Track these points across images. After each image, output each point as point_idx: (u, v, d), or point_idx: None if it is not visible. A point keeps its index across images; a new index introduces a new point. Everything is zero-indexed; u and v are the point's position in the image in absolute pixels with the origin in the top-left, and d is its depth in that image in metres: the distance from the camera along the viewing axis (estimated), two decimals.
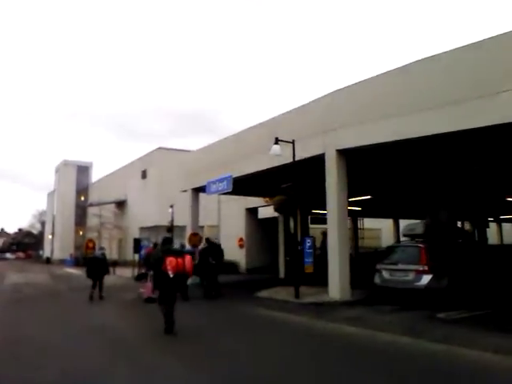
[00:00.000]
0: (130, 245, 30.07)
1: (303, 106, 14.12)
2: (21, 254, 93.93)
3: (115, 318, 10.91)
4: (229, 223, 28.77)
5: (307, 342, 7.72)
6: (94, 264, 14.61)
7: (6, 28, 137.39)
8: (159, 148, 36.66)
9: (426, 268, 10.70)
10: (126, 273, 25.16)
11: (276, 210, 14.20)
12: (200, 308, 12.19)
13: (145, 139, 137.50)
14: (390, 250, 12.92)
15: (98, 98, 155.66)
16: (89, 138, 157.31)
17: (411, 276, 10.69)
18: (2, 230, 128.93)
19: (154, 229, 35.23)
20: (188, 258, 8.51)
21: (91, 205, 45.39)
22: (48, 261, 57.93)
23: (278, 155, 12.48)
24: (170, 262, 8.06)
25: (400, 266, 11.09)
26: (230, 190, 16.80)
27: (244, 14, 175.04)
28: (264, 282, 21.08)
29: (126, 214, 41.47)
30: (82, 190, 53.31)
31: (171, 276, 8.04)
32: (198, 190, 20.37)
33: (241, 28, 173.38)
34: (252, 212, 27.52)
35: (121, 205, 42.71)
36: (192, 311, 11.44)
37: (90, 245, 35.09)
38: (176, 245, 13.85)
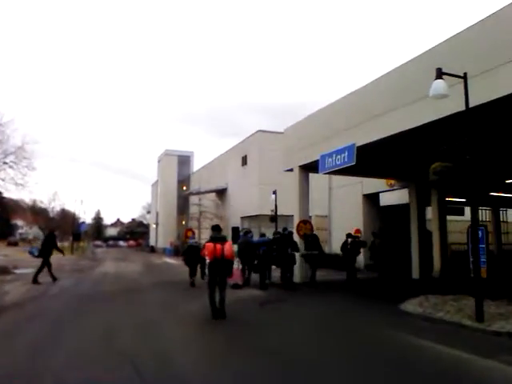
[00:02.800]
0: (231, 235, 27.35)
1: (473, 26, 9.31)
2: (132, 243, 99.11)
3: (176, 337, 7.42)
4: (341, 212, 24.39)
5: None
6: (191, 252, 14.96)
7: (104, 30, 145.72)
8: (259, 131, 33.30)
9: None
10: None
11: (434, 181, 9.44)
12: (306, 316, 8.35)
13: (236, 135, 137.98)
14: None
15: (196, 96, 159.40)
16: (187, 133, 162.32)
17: None
18: (118, 219, 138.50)
19: (256, 218, 32.11)
20: (228, 243, 8.54)
21: (191, 193, 43.77)
22: (152, 249, 58.49)
23: (443, 96, 7.95)
24: (207, 247, 8.44)
25: None
26: (353, 163, 12.53)
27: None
28: (393, 283, 16.52)
29: (227, 203, 39.07)
30: (184, 179, 52.38)
31: (207, 261, 8.53)
32: (308, 169, 16.36)
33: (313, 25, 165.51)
34: (371, 199, 22.82)
35: (221, 193, 40.41)
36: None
37: (189, 234, 32.91)
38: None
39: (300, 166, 16.17)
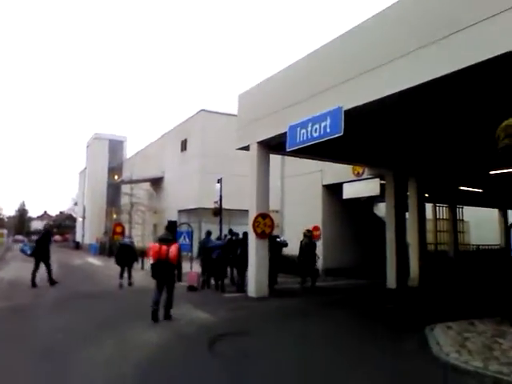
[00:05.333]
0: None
1: None
2: (58, 238, 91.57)
3: None
4: (296, 207, 20.97)
5: None
6: (123, 251, 14.17)
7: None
8: (201, 111, 29.14)
9: None
10: None
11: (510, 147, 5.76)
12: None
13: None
14: None
15: (132, 76, 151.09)
16: (121, 117, 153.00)
17: None
18: (45, 212, 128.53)
19: (196, 212, 28.08)
20: (174, 245, 8.25)
21: (122, 182, 38.66)
22: (77, 246, 52.36)
23: None
24: (152, 248, 8.25)
25: None
26: (339, 134, 8.98)
27: None
28: (369, 294, 13.29)
29: (163, 195, 34.61)
30: (115, 167, 46.88)
31: (151, 262, 8.32)
32: (269, 147, 12.65)
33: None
34: (332, 190, 19.57)
35: (157, 183, 35.83)
36: None
37: (118, 229, 28.21)
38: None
39: (259, 143, 12.40)
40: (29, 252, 13.88)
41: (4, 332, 7.50)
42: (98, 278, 17.68)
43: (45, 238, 14.13)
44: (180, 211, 30.42)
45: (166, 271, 8.15)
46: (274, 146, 12.42)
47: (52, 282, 13.71)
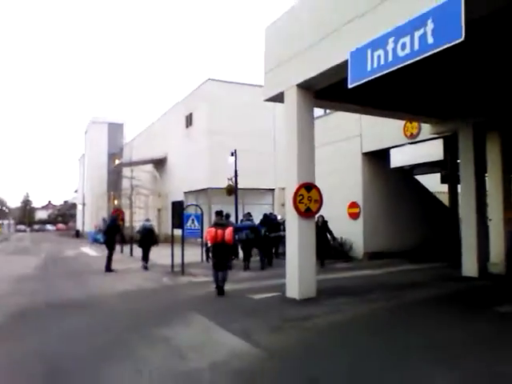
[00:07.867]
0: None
1: None
2: (61, 226, 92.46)
3: None
4: (329, 181, 17.35)
5: None
6: (147, 234, 14.43)
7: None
8: (208, 80, 25.46)
9: None
10: (163, 257, 14.71)
11: None
12: None
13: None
14: None
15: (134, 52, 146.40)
16: (120, 97, 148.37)
17: None
18: (50, 202, 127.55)
19: (204, 193, 24.73)
20: (229, 229, 8.92)
21: (122, 165, 35.22)
22: (77, 234, 49.44)
23: None
24: (209, 232, 9.03)
25: None
26: (458, 40, 5.30)
27: None
28: (451, 288, 9.68)
29: (167, 177, 31.27)
30: (116, 153, 43.43)
31: (209, 245, 10.09)
32: (314, 92, 8.96)
33: None
34: (375, 158, 16.02)
35: (160, 164, 32.42)
36: None
37: (120, 216, 25.23)
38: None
39: (299, 87, 8.73)
40: (102, 240, 14.70)
41: None
42: (91, 275, 13.93)
43: (112, 226, 14.61)
44: (186, 193, 27.07)
45: (222, 252, 9.05)
46: (321, 91, 8.83)
47: (108, 269, 13.93)
